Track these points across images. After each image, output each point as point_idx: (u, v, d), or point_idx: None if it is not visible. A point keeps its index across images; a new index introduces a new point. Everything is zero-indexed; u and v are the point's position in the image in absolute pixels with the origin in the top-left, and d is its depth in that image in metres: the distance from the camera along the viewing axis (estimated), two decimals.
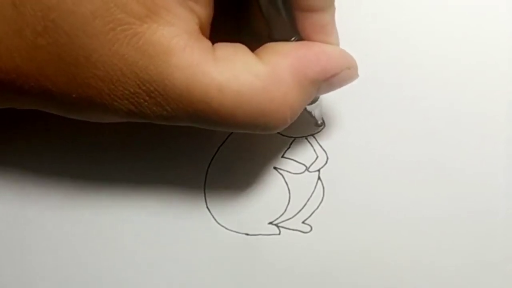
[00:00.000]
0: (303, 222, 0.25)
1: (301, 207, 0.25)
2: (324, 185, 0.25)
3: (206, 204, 0.25)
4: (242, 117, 0.18)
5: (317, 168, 0.25)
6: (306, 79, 0.19)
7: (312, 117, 0.23)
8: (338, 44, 0.21)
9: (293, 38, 0.20)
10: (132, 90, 0.17)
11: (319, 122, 0.24)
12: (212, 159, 0.25)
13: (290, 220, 0.25)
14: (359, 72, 0.21)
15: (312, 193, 0.25)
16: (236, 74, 0.18)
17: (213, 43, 0.19)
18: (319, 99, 0.23)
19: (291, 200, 0.25)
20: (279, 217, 0.25)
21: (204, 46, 0.18)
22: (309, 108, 0.23)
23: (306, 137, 0.25)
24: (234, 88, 0.18)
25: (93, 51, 0.17)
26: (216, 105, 0.18)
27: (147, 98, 0.17)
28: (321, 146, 0.25)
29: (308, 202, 0.25)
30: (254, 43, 0.20)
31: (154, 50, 0.17)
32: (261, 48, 0.20)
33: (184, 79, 0.17)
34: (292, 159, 0.25)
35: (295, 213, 0.25)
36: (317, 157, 0.25)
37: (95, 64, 0.17)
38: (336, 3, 0.20)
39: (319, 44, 0.20)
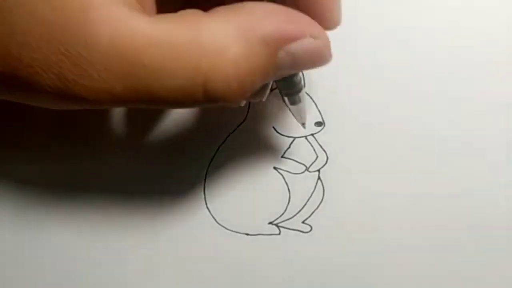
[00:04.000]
0: (303, 222, 0.25)
1: (301, 207, 0.25)
2: (324, 185, 0.25)
3: (206, 204, 0.25)
4: (178, 77, 0.16)
5: (317, 168, 0.25)
6: (255, 36, 0.16)
7: (297, 119, 0.23)
8: (335, 16, 0.18)
9: None
10: (54, 58, 0.16)
11: (303, 124, 0.23)
12: (212, 159, 0.25)
13: (290, 220, 0.25)
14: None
15: (312, 193, 0.25)
16: (168, 25, 0.16)
17: None
18: (301, 104, 0.22)
19: (291, 200, 0.25)
20: (279, 217, 0.25)
21: (132, 3, 0.16)
22: (292, 110, 0.22)
23: (306, 137, 0.25)
24: (165, 40, 0.15)
25: (9, 14, 0.15)
26: (149, 63, 0.15)
27: (71, 67, 0.16)
28: (321, 146, 0.25)
29: (308, 202, 0.25)
30: None
31: (72, 7, 0.15)
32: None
33: (108, 33, 0.15)
34: (292, 159, 0.25)
35: (295, 213, 0.25)
36: (317, 157, 0.25)
37: (12, 27, 0.15)
38: None
39: (285, 8, 0.17)
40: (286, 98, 0.21)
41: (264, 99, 0.21)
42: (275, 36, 0.16)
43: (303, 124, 0.24)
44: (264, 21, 0.16)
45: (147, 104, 0.17)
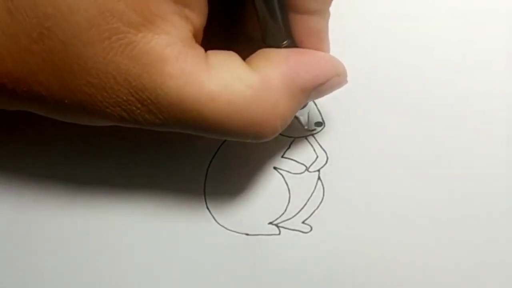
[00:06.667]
0: (303, 222, 0.25)
1: (301, 207, 0.25)
2: (324, 185, 0.25)
3: (206, 204, 0.25)
4: (233, 126, 0.18)
5: (317, 168, 0.25)
6: (297, 87, 0.19)
7: (300, 123, 0.24)
8: (329, 51, 0.21)
9: (285, 42, 0.20)
10: (124, 97, 0.17)
11: (306, 127, 0.24)
12: (212, 159, 0.25)
13: (290, 220, 0.25)
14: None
15: (312, 193, 0.25)
16: (228, 83, 0.18)
17: (205, 48, 0.19)
18: (307, 105, 0.23)
19: (291, 200, 0.25)
20: (279, 217, 0.25)
21: (197, 53, 0.18)
22: (297, 113, 0.23)
23: (306, 137, 0.25)
24: (225, 98, 0.18)
25: (88, 59, 0.17)
26: (207, 114, 0.18)
27: (139, 105, 0.17)
28: (321, 146, 0.25)
29: (308, 202, 0.25)
30: (246, 48, 0.20)
31: (148, 58, 0.17)
32: (253, 55, 0.20)
33: (177, 88, 0.17)
34: (292, 159, 0.25)
35: (295, 213, 0.25)
36: (317, 157, 0.25)
37: (89, 71, 0.17)
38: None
39: (310, 51, 0.20)
40: None
41: None
42: (312, 86, 0.20)
43: (307, 129, 0.24)
44: (302, 72, 0.19)
45: (195, 134, 0.19)
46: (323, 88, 0.20)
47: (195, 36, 0.18)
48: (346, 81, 0.21)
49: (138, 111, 0.18)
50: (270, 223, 0.25)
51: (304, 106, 0.23)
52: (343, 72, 0.21)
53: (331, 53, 0.21)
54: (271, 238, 0.25)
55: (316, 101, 0.25)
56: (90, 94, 0.17)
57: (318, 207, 0.25)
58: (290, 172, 0.25)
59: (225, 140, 0.25)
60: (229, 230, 0.25)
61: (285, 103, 0.19)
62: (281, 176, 0.25)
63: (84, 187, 0.25)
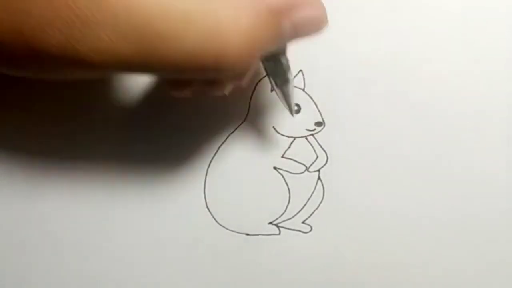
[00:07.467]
0: (303, 222, 0.25)
1: (301, 207, 0.25)
2: (324, 185, 0.25)
3: (206, 204, 0.25)
4: (188, 42, 0.16)
5: (317, 168, 0.25)
6: (263, 5, 0.17)
7: (281, 68, 0.22)
8: None
9: None
10: (64, 15, 0.16)
11: (294, 107, 0.23)
12: (212, 159, 0.25)
13: (290, 220, 0.25)
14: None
15: (312, 193, 0.25)
16: None
17: None
18: (286, 49, 0.21)
19: (291, 200, 0.25)
20: (279, 217, 0.25)
21: None
22: (281, 58, 0.21)
23: (306, 137, 0.25)
24: (179, 7, 0.16)
25: None
26: (160, 27, 0.16)
27: (81, 27, 0.16)
28: (321, 146, 0.25)
29: (308, 202, 0.25)
30: None
31: None
32: None
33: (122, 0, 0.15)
34: (292, 159, 0.25)
35: (295, 213, 0.25)
36: (317, 157, 0.25)
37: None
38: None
39: None
40: (273, 82, 0.21)
41: (243, 84, 0.21)
42: (280, 5, 0.18)
43: (290, 111, 0.24)
44: None
45: (154, 70, 0.17)
46: (297, 19, 0.18)
47: None
48: (326, 20, 0.19)
49: (80, 34, 0.16)
50: (270, 223, 0.25)
51: (284, 51, 0.21)
52: (317, 3, 0.19)
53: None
54: (271, 238, 0.25)
55: (316, 101, 0.25)
56: (30, 12, 0.15)
57: (318, 207, 0.25)
58: (290, 172, 0.25)
59: (225, 140, 0.25)
60: (229, 230, 0.25)
61: (250, 20, 0.17)
62: (281, 176, 0.25)
63: (84, 187, 0.25)
